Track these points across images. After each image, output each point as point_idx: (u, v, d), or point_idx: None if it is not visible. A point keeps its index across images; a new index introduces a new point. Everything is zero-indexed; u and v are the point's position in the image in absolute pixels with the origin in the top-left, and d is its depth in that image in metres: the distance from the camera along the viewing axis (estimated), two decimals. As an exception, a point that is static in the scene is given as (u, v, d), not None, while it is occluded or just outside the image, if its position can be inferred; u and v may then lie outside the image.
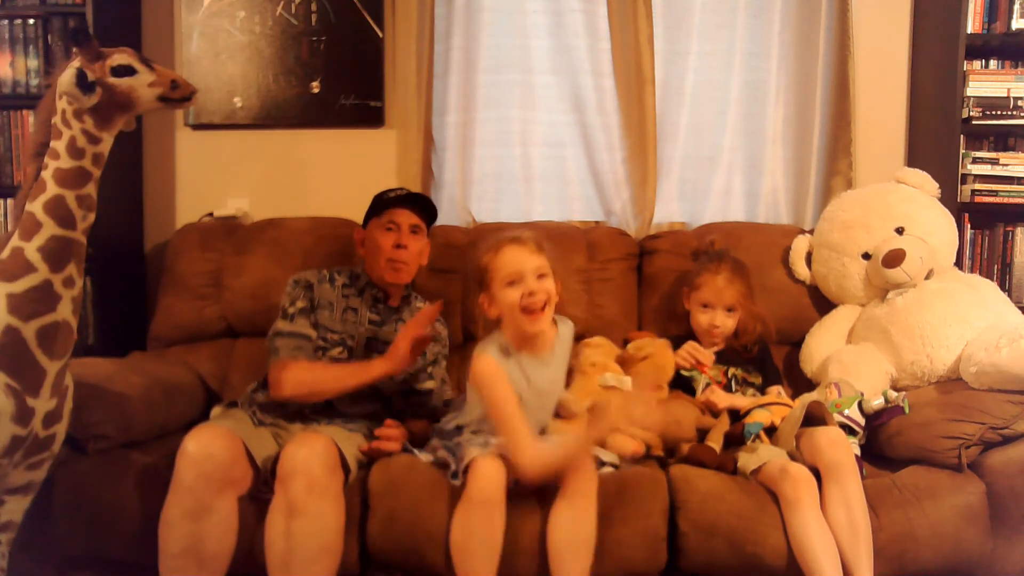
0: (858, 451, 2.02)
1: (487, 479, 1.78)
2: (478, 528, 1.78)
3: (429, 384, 2.26)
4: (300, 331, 2.13)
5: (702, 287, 2.33)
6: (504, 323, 1.93)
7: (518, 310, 1.86)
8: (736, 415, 2.15)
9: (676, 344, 2.29)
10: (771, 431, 2.09)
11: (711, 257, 2.40)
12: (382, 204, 2.26)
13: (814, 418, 1.98)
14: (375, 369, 2.07)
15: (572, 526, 1.82)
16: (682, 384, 2.24)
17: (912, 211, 2.44)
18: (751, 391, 2.29)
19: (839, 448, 1.90)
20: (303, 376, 2.05)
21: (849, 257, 2.46)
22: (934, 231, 2.42)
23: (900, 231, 2.42)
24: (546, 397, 2.00)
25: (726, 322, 2.31)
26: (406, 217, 2.24)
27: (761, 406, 2.13)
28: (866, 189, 2.60)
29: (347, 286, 2.25)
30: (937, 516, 1.91)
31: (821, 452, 1.90)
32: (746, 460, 2.00)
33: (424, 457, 1.99)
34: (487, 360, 1.87)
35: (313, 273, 2.25)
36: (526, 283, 1.86)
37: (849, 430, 2.08)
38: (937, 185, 2.51)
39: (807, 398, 2.16)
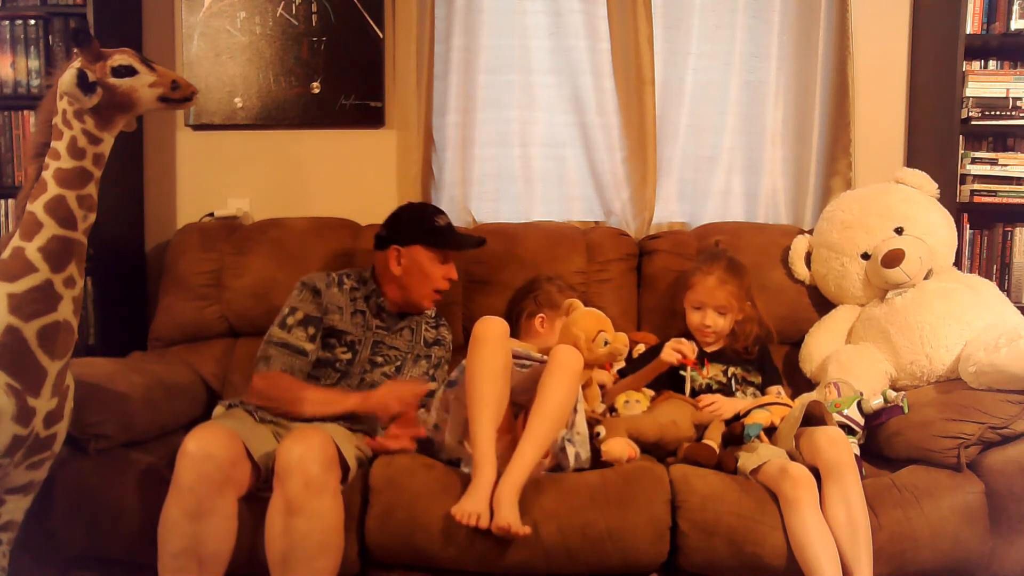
0: (857, 451, 2.03)
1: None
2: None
3: (430, 387, 2.27)
4: (295, 343, 2.14)
5: (695, 286, 2.34)
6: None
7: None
8: (735, 414, 2.15)
9: None
10: (770, 431, 2.10)
11: (708, 257, 2.40)
12: (443, 236, 2.26)
13: (813, 418, 1.98)
14: (348, 402, 2.08)
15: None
16: (674, 382, 2.24)
17: (911, 211, 2.44)
18: (751, 391, 2.29)
19: (839, 447, 1.90)
20: (280, 393, 2.07)
21: (848, 257, 2.46)
22: (933, 231, 2.42)
23: (899, 231, 2.42)
24: None
25: (717, 322, 2.31)
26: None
27: (761, 406, 2.13)
28: (865, 189, 2.60)
29: (355, 289, 2.27)
30: (936, 516, 1.91)
31: (821, 451, 1.90)
32: (746, 459, 2.00)
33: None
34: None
35: (321, 276, 2.25)
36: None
37: (848, 430, 2.08)
38: (936, 185, 2.51)
39: (806, 398, 2.16)
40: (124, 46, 1.78)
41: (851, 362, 2.31)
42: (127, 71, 1.73)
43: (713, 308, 2.31)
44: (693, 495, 1.91)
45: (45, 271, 1.67)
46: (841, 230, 2.49)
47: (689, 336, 2.37)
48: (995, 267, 2.71)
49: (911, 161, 2.85)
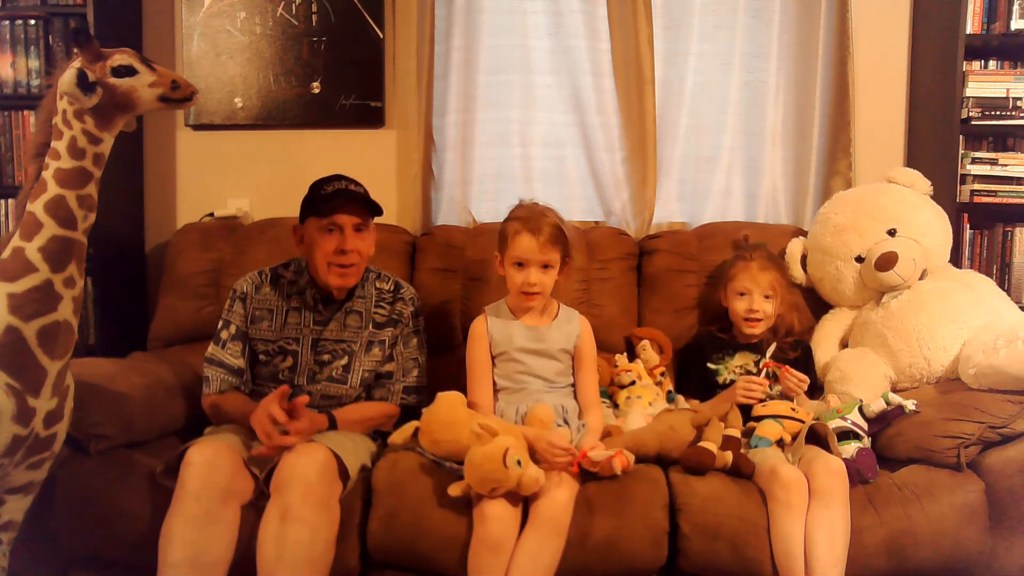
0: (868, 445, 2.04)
1: (496, 521, 1.79)
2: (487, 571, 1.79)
3: (389, 367, 2.20)
4: (230, 362, 2.13)
5: (737, 276, 2.34)
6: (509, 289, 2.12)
7: (517, 289, 2.08)
8: (748, 415, 2.14)
9: (715, 342, 2.35)
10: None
11: (746, 247, 2.42)
12: (321, 203, 2.07)
13: (817, 437, 1.99)
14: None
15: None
16: (705, 377, 2.26)
17: (903, 212, 2.43)
18: (777, 389, 2.26)
19: (835, 476, 1.88)
20: (224, 421, 2.11)
21: (842, 261, 2.46)
22: (926, 231, 2.42)
23: (892, 233, 2.41)
24: (524, 362, 2.10)
25: (764, 306, 2.30)
26: (348, 218, 2.07)
27: (774, 417, 2.11)
28: (857, 190, 2.60)
29: (292, 283, 2.19)
30: (936, 514, 1.91)
31: (816, 476, 1.88)
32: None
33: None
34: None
35: (253, 277, 2.19)
36: (528, 272, 2.05)
37: (854, 435, 2.05)
38: (929, 183, 2.51)
39: (811, 417, 2.13)
40: (124, 46, 1.77)
41: (851, 368, 2.31)
42: (127, 71, 1.73)
43: (759, 293, 2.30)
44: (694, 497, 1.91)
45: (45, 271, 1.67)
46: (834, 234, 2.48)
47: (724, 331, 2.39)
48: (995, 267, 2.71)
49: (911, 161, 2.84)
